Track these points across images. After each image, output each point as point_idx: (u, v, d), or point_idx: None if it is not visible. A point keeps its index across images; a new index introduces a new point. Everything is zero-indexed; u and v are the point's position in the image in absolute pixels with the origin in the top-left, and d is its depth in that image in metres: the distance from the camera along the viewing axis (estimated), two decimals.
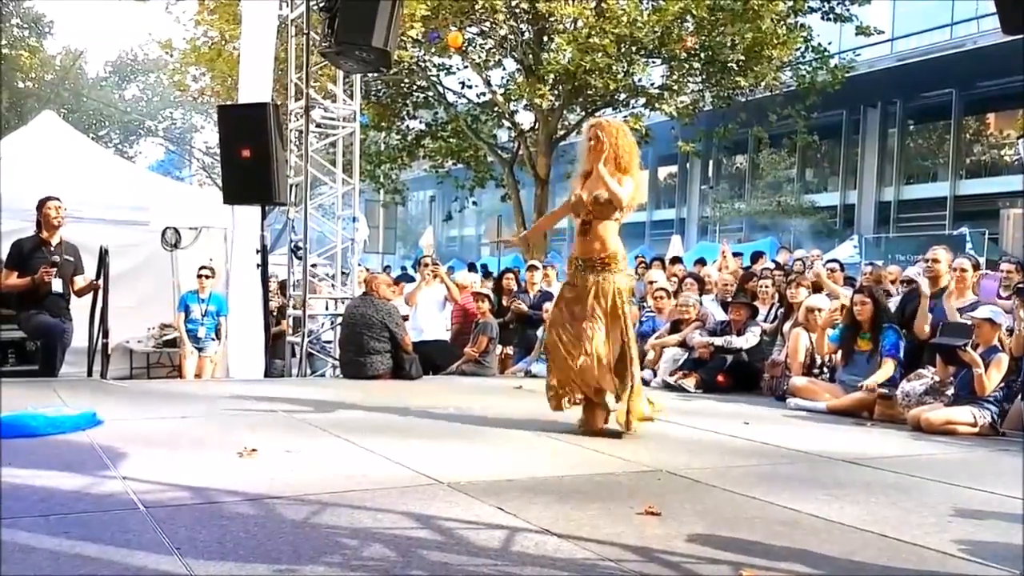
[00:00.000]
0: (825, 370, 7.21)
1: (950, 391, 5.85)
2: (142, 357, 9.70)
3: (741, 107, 16.98)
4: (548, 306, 6.17)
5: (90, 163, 9.81)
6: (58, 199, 7.15)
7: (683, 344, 8.17)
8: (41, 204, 7.11)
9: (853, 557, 2.84)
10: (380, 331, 7.67)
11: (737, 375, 7.80)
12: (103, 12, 60.62)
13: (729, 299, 8.84)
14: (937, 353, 5.97)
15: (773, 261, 12.18)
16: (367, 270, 10.36)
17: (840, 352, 6.87)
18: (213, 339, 9.08)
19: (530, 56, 15.83)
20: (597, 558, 2.71)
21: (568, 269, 5.17)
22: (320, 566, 2.52)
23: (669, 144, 18.01)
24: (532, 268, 9.84)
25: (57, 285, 7.06)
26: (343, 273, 9.21)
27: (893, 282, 8.86)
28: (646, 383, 8.00)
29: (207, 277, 9.07)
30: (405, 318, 8.61)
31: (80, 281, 7.32)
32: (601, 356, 4.83)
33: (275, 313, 8.98)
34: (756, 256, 12.82)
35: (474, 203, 20.73)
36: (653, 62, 16.23)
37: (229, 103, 11.33)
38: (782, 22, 15.12)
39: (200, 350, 8.99)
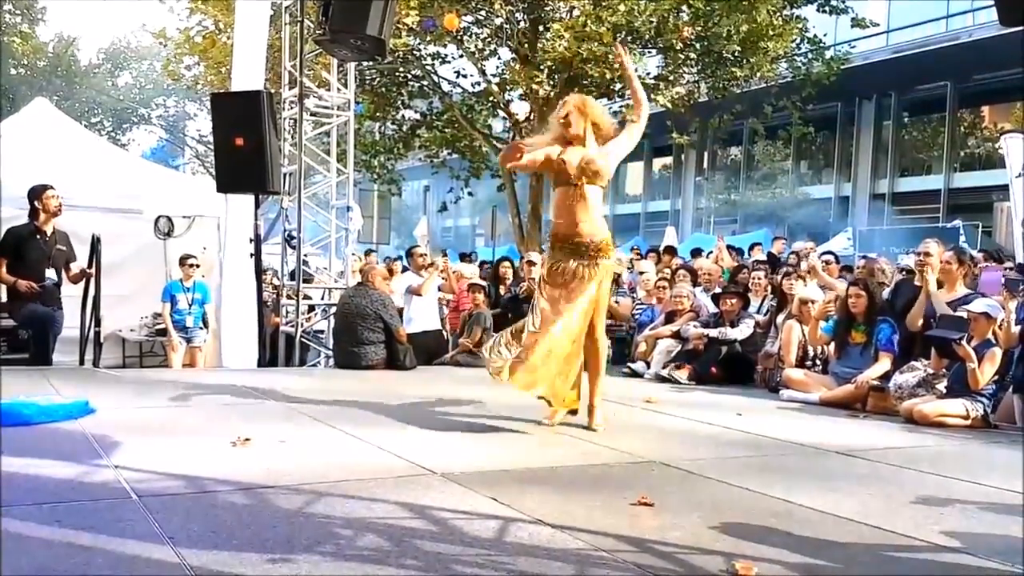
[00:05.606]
0: (818, 362, 7.22)
1: (943, 384, 5.87)
2: (135, 346, 9.67)
3: (736, 98, 16.94)
4: None
5: (83, 151, 9.74)
6: (53, 187, 7.10)
7: (677, 335, 8.17)
8: (39, 193, 7.05)
9: (846, 548, 2.85)
10: (374, 321, 7.66)
11: (730, 367, 7.79)
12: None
13: (718, 290, 8.83)
14: (932, 345, 5.99)
15: (768, 253, 12.19)
16: (366, 257, 10.30)
17: (834, 344, 6.88)
18: (201, 328, 9.04)
19: (526, 45, 15.77)
20: (591, 548, 2.72)
21: (551, 254, 4.76)
22: (314, 555, 2.52)
23: (664, 135, 17.96)
24: (530, 263, 9.80)
25: (51, 275, 7.04)
26: (338, 255, 9.15)
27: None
28: (639, 375, 8.07)
29: (194, 266, 9.01)
30: (400, 310, 8.60)
31: (73, 268, 7.29)
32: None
33: (268, 303, 8.95)
34: (752, 246, 12.86)
35: (469, 193, 20.66)
36: (649, 52, 16.19)
37: (223, 91, 11.26)
38: (778, 14, 15.10)
39: (188, 340, 8.95)
